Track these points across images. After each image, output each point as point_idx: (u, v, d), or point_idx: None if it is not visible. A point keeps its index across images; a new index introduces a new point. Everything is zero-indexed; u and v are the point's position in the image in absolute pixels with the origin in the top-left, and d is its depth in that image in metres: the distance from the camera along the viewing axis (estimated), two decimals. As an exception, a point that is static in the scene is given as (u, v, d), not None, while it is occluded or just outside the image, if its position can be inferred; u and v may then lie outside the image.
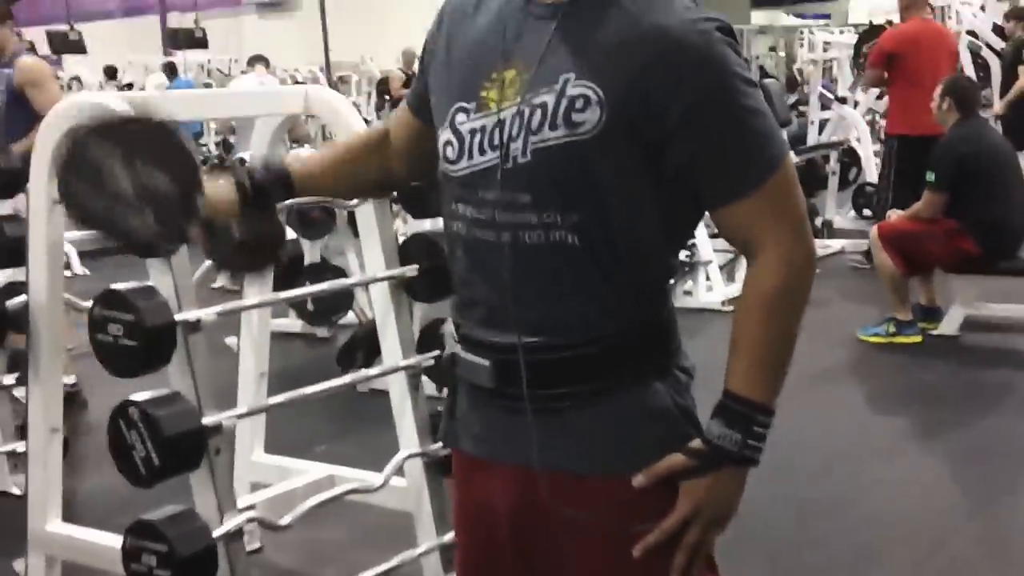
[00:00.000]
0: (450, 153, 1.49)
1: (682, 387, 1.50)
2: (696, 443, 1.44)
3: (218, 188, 1.56)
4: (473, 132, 1.46)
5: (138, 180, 1.31)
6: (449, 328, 1.57)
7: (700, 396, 1.53)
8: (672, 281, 1.56)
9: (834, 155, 8.25)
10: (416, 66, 1.71)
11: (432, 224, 3.35)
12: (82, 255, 6.79)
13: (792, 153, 6.55)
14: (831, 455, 4.25)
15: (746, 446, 1.43)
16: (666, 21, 1.38)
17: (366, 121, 7.06)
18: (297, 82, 10.95)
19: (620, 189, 1.41)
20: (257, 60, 9.53)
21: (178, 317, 2.35)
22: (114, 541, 2.47)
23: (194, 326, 2.40)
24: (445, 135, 1.50)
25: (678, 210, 1.46)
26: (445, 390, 1.66)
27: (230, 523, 2.42)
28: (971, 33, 9.30)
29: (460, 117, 1.48)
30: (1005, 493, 3.90)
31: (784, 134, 7.70)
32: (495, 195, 1.44)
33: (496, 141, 1.43)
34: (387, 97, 13.21)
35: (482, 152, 1.45)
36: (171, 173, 1.32)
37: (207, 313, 2.42)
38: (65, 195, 1.39)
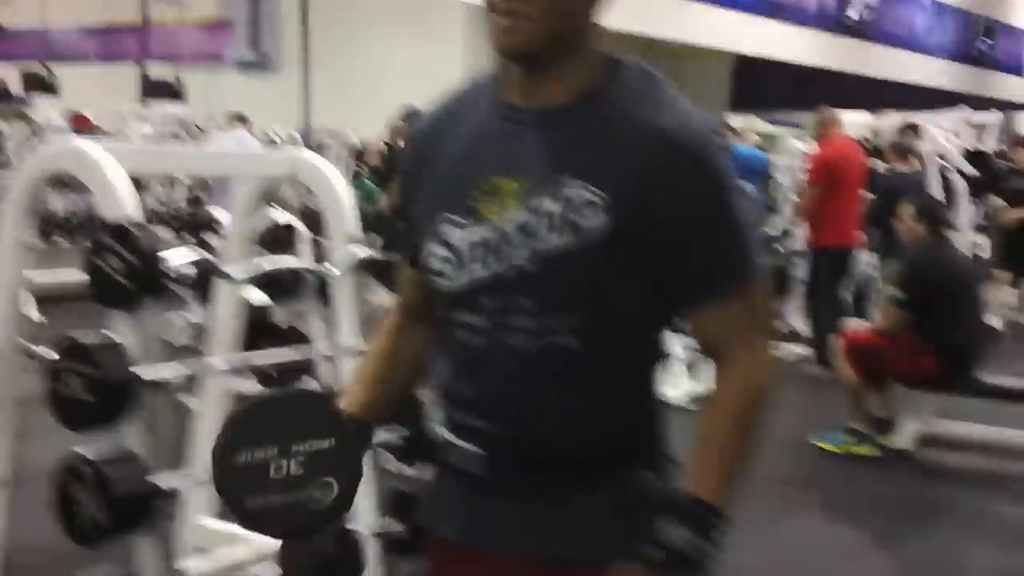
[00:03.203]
0: (438, 265, 1.47)
1: (669, 477, 1.51)
2: (651, 550, 1.41)
3: None
4: (473, 245, 1.43)
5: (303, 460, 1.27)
6: (435, 413, 1.54)
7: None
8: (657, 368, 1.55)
9: (801, 262, 8.29)
10: (399, 208, 1.64)
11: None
12: (39, 301, 6.68)
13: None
14: (780, 561, 4.21)
15: (702, 550, 1.42)
16: (664, 123, 1.39)
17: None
18: (274, 143, 10.96)
19: (622, 291, 1.41)
20: (237, 119, 9.54)
21: (139, 374, 2.31)
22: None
23: (155, 384, 2.35)
24: (433, 248, 1.47)
25: (669, 306, 1.47)
26: (406, 467, 1.64)
27: (173, 591, 2.36)
28: (940, 156, 9.47)
29: (448, 228, 1.45)
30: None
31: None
32: (496, 303, 1.42)
33: (499, 252, 1.42)
34: (361, 166, 13.21)
35: (485, 264, 1.43)
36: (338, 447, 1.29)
37: (171, 372, 2.38)
38: (225, 492, 1.31)
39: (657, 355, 1.51)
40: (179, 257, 2.43)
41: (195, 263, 2.49)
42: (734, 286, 1.43)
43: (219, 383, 3.10)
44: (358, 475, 1.27)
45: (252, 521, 1.25)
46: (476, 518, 1.50)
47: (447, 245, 1.45)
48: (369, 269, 2.80)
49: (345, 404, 1.55)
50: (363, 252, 2.74)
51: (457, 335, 1.47)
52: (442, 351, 1.52)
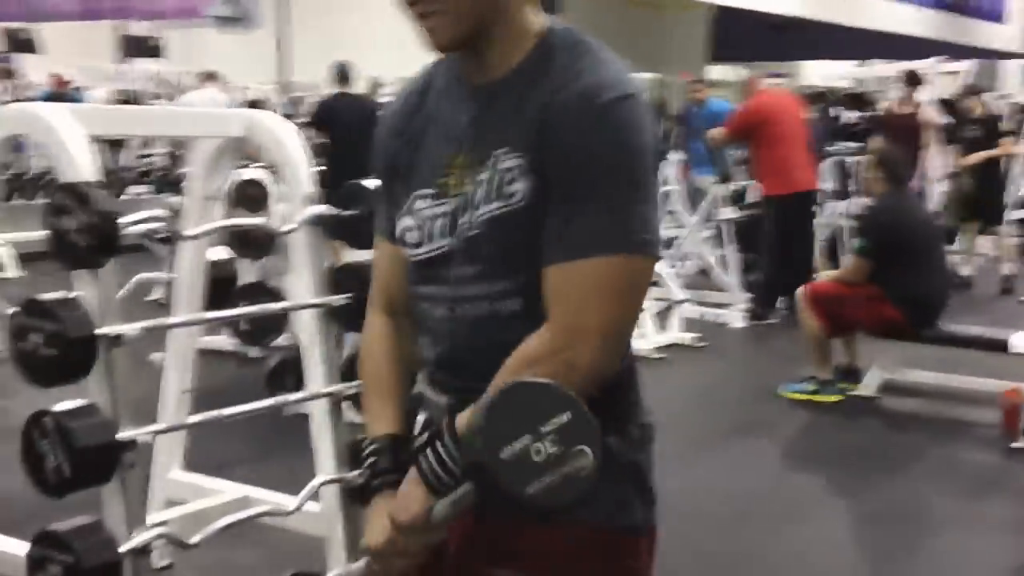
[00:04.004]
0: (411, 238, 1.55)
1: (635, 443, 1.54)
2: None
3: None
4: (434, 217, 1.52)
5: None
6: (420, 372, 1.63)
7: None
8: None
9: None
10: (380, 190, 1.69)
11: (366, 255, 3.39)
12: (21, 257, 6.72)
13: (731, 210, 6.62)
14: (742, 508, 4.34)
15: (421, 454, 1.45)
16: (577, 85, 1.42)
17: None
18: (250, 100, 10.94)
19: None
20: (209, 77, 9.55)
21: (100, 331, 2.38)
22: (21, 548, 2.48)
23: (116, 340, 2.42)
24: (405, 222, 1.56)
25: None
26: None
27: (138, 538, 2.44)
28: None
29: (420, 204, 1.54)
30: (904, 556, 4.00)
31: (726, 188, 7.94)
32: (451, 273, 1.51)
33: (453, 223, 1.51)
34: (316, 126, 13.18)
35: (443, 234, 1.52)
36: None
37: (130, 328, 2.45)
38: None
39: None
40: (136, 216, 2.49)
41: (150, 221, 2.55)
42: (584, 253, 1.40)
43: (183, 339, 3.18)
44: (598, 434, 1.33)
45: (537, 504, 1.32)
46: None
47: (417, 219, 1.54)
48: (325, 225, 2.86)
49: (378, 425, 1.61)
50: (316, 209, 2.81)
51: (425, 309, 1.57)
52: (418, 324, 1.61)
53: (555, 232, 1.41)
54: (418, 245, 1.55)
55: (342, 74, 8.33)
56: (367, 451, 1.61)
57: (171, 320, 2.91)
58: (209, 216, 3.14)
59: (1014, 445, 5.00)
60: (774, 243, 7.59)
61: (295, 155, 2.88)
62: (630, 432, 1.54)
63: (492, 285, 1.49)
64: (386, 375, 1.64)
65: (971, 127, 9.27)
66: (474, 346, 1.52)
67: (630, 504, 1.54)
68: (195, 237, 2.80)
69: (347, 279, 2.95)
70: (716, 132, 8.05)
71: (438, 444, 1.44)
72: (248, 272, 5.77)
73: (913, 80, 9.58)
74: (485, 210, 1.46)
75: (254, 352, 6.06)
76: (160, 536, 2.52)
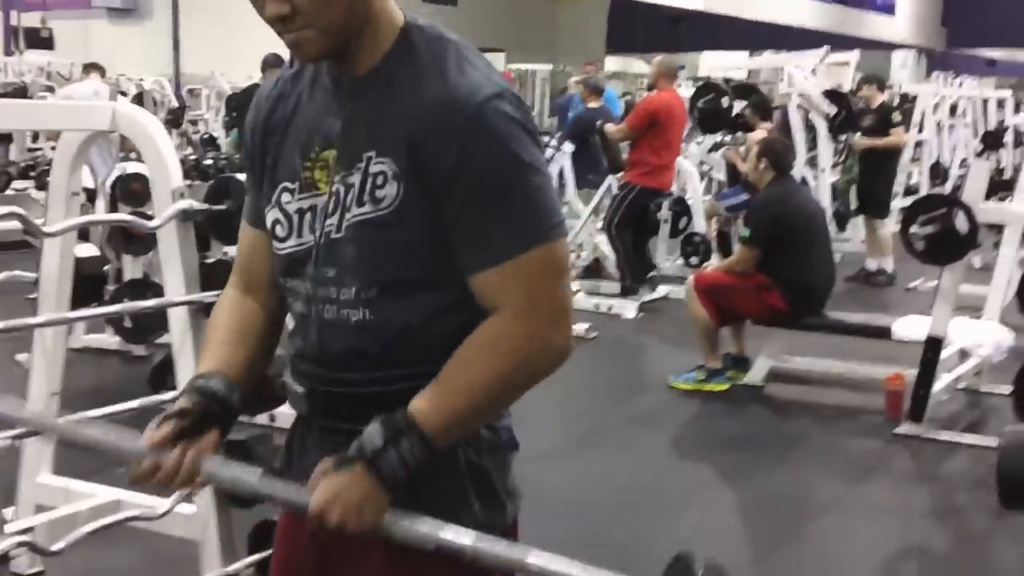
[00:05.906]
0: (279, 231, 1.54)
1: (483, 446, 1.53)
2: (351, 448, 1.43)
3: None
4: (301, 212, 1.52)
5: None
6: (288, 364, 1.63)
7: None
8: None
9: (666, 203, 8.45)
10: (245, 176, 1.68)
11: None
12: None
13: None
14: (630, 497, 4.36)
15: (383, 455, 1.40)
16: (444, 91, 1.42)
17: (205, 141, 6.90)
18: (136, 93, 10.71)
19: (422, 255, 1.45)
20: (92, 68, 9.28)
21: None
22: None
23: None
24: (273, 214, 1.55)
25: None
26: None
27: (-4, 545, 2.37)
28: (801, 96, 9.65)
29: (285, 197, 1.53)
30: (788, 541, 4.07)
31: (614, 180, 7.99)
32: (312, 271, 1.50)
33: (317, 219, 1.50)
34: (235, 114, 13.01)
35: (312, 230, 1.51)
36: None
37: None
38: None
39: (470, 316, 1.48)
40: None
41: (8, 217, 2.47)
42: (504, 256, 1.41)
43: (50, 338, 3.09)
44: None
45: None
46: (297, 459, 1.60)
47: (284, 212, 1.53)
48: (195, 220, 2.80)
49: (203, 364, 1.57)
50: (184, 203, 2.74)
51: (289, 300, 1.58)
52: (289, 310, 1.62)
53: (473, 241, 1.42)
54: (284, 239, 1.54)
55: (264, 64, 8.28)
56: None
57: (31, 320, 2.82)
58: (74, 212, 3.05)
59: (897, 431, 5.10)
60: (628, 223, 7.86)
61: (162, 148, 2.80)
62: (480, 434, 1.52)
63: (343, 291, 1.48)
64: (222, 328, 1.61)
65: (867, 116, 9.31)
66: (326, 345, 1.52)
67: (464, 505, 1.51)
68: (57, 233, 2.72)
69: (221, 275, 2.89)
70: (614, 127, 8.08)
71: (404, 444, 1.41)
72: (133, 269, 5.66)
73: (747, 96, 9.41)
74: (355, 213, 1.46)
75: (139, 351, 5.95)
76: (21, 544, 2.44)
